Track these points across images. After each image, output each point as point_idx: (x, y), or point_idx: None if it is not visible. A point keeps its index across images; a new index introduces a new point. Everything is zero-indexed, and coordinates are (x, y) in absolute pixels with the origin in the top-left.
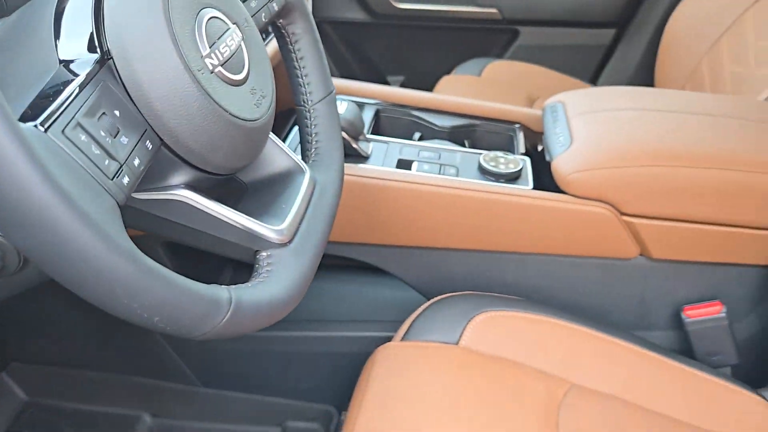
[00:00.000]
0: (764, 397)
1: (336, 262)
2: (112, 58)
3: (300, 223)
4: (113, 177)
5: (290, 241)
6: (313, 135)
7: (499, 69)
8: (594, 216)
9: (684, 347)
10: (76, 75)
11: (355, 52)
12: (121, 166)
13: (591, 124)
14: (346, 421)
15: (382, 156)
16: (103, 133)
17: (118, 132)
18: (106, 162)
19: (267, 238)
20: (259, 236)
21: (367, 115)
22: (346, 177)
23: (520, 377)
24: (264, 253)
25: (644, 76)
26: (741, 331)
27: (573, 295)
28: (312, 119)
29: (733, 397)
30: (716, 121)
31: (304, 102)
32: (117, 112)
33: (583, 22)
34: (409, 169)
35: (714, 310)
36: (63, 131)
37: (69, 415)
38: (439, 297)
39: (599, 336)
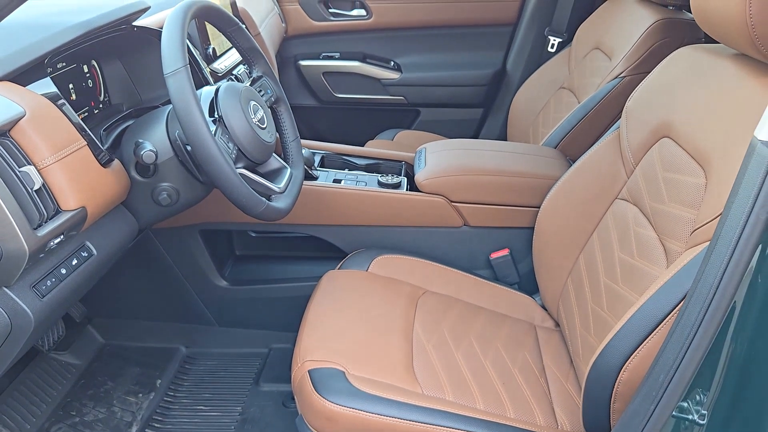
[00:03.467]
0: (534, 299)
1: (303, 251)
2: (222, 119)
3: (287, 185)
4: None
5: (284, 191)
6: (290, 156)
7: (407, 135)
8: (436, 203)
9: (493, 275)
10: None
11: (308, 126)
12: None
13: (438, 156)
14: (304, 315)
15: (324, 178)
16: (224, 141)
17: (228, 142)
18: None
19: (274, 189)
20: (271, 188)
21: (317, 158)
22: (304, 187)
23: (398, 285)
24: (273, 196)
25: (502, 138)
26: (522, 266)
27: (431, 250)
28: (289, 149)
29: (516, 297)
30: (506, 154)
31: (284, 141)
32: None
33: (461, 104)
34: (340, 183)
35: (504, 253)
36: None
37: (131, 351)
38: (357, 250)
39: (446, 268)
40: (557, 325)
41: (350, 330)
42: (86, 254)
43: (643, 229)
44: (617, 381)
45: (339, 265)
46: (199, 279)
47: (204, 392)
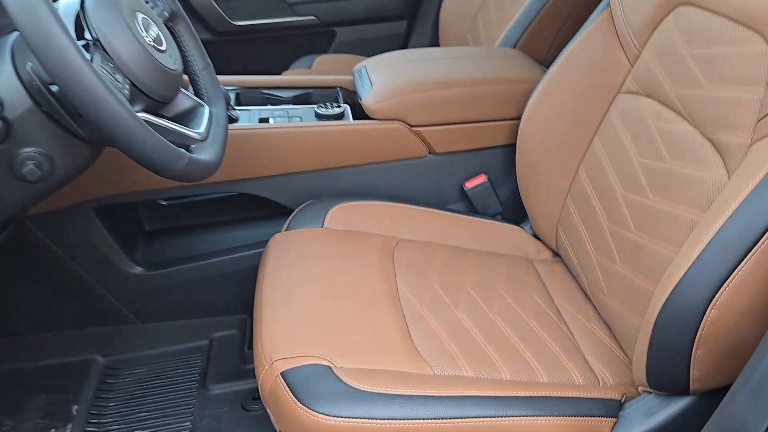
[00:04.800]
0: (522, 227)
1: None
2: (99, 41)
3: (209, 130)
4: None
5: (206, 138)
6: (203, 89)
7: (325, 61)
8: (393, 131)
9: (470, 208)
10: None
11: None
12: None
13: (384, 73)
14: (255, 296)
15: (246, 119)
16: (108, 72)
17: (114, 73)
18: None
19: (194, 136)
20: (190, 135)
21: (230, 96)
22: None
23: (364, 239)
24: (193, 146)
25: None
26: (503, 192)
27: (394, 189)
28: (200, 79)
29: (502, 230)
30: (464, 60)
31: (193, 70)
32: (111, 65)
33: (381, 18)
34: (268, 122)
35: (481, 180)
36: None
37: (33, 374)
38: (305, 203)
39: (416, 208)
40: (555, 255)
41: (322, 307)
42: None
43: (672, 125)
44: (702, 323)
45: (286, 226)
46: (103, 269)
47: (137, 411)
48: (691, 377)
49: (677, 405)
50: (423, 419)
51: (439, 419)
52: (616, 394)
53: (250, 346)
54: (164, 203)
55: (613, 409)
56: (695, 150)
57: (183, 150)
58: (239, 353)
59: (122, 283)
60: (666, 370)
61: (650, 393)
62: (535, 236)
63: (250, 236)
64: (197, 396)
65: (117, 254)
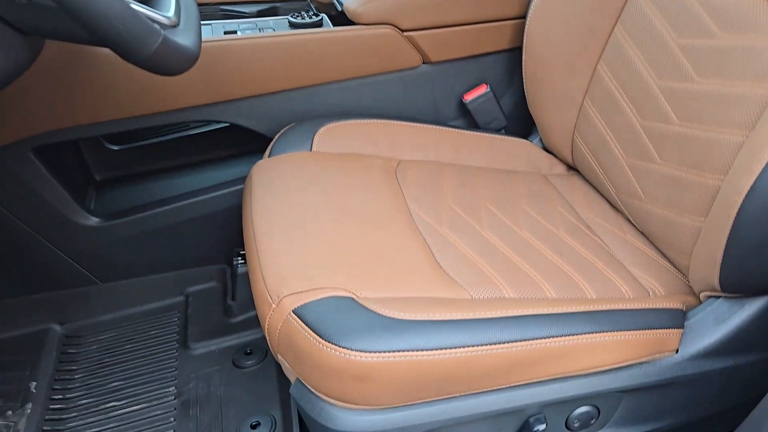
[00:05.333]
0: (530, 141)
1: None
2: None
3: (179, 16)
4: None
5: (178, 24)
6: None
7: None
8: (382, 37)
9: (471, 123)
10: None
11: None
12: None
13: None
14: (245, 230)
15: (210, 33)
16: None
17: None
18: None
19: (162, 20)
20: (157, 19)
21: None
22: None
23: (361, 160)
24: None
25: None
26: (507, 104)
27: (385, 105)
28: None
29: (510, 144)
30: None
31: None
32: None
33: None
34: (235, 34)
35: (482, 90)
36: None
37: None
38: (287, 126)
39: (415, 125)
40: (569, 168)
41: (329, 233)
42: None
43: None
44: None
45: (267, 152)
46: (51, 222)
47: (109, 381)
48: None
49: (751, 308)
50: (478, 345)
51: (496, 344)
52: (677, 303)
53: (234, 297)
54: (115, 148)
55: (678, 319)
56: (755, 15)
57: (156, 25)
58: (221, 307)
59: (75, 237)
60: (748, 269)
61: (718, 298)
62: (545, 150)
63: (222, 177)
64: (179, 358)
65: (65, 203)
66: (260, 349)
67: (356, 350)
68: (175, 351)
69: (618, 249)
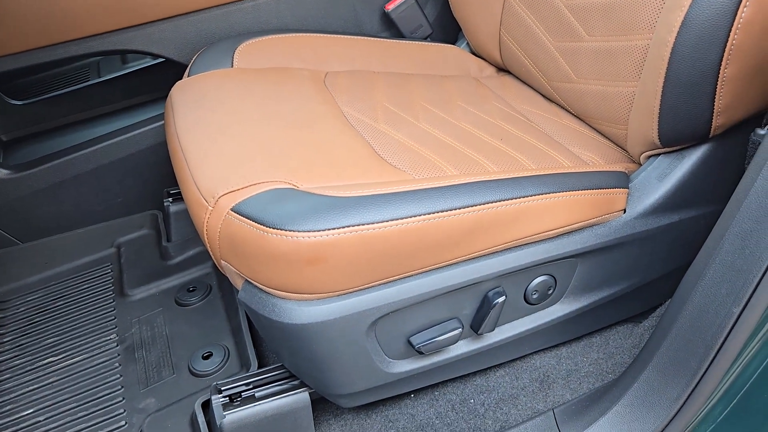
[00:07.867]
0: (458, 47)
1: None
2: None
3: None
4: None
5: None
6: None
7: None
8: None
9: (397, 34)
10: None
11: None
12: None
13: None
14: (170, 147)
15: None
16: None
17: None
18: None
19: None
20: None
21: None
22: None
23: (287, 73)
24: None
25: None
26: (430, 11)
27: (305, 21)
28: None
29: (438, 50)
30: None
31: None
32: None
33: None
34: None
35: None
36: None
37: None
38: (204, 47)
39: (339, 37)
40: (499, 70)
41: (263, 133)
42: None
43: None
44: (728, 45)
45: (186, 73)
46: None
47: (43, 338)
48: (715, 111)
49: (691, 159)
50: (427, 214)
51: (445, 211)
52: (619, 167)
53: (170, 238)
54: (18, 103)
55: (622, 180)
56: None
57: None
58: (157, 251)
59: None
60: (686, 114)
61: (658, 156)
62: (473, 54)
63: (139, 113)
64: (117, 306)
65: None
66: (203, 285)
67: (304, 231)
68: (112, 300)
69: (556, 133)
